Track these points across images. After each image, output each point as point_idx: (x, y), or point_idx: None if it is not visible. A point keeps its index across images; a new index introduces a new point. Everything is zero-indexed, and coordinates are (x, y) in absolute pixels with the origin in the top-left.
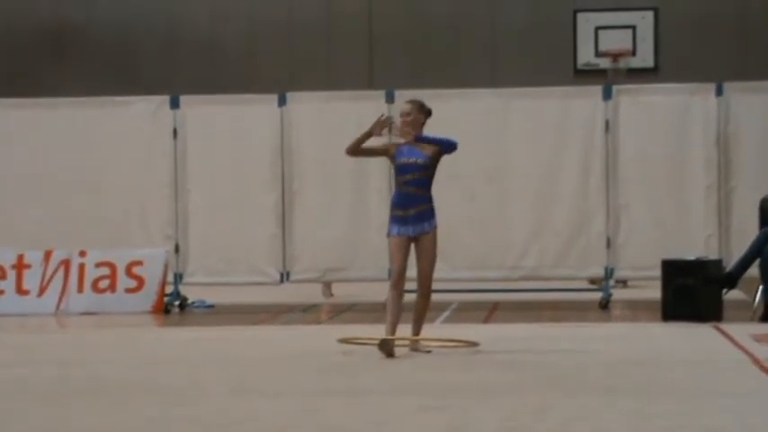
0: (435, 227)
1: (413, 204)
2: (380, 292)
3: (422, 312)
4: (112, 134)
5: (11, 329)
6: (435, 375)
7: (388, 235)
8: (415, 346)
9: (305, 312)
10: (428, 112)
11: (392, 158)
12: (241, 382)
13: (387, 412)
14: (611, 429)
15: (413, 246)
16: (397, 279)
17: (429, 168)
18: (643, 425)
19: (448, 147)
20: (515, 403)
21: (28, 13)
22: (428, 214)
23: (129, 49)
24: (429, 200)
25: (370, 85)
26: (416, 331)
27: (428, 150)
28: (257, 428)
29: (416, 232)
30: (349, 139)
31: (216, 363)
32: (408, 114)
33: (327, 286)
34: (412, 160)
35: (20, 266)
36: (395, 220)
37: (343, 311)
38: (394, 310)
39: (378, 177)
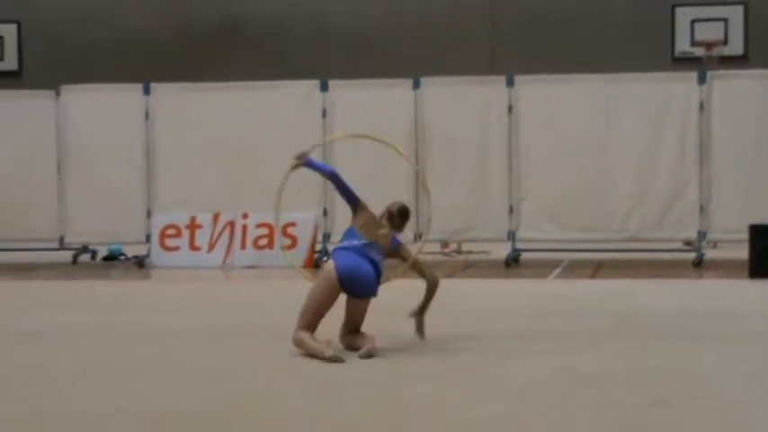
0: None
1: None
2: (500, 250)
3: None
4: (271, 114)
5: (186, 280)
6: (541, 324)
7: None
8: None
9: None
10: (396, 214)
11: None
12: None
13: (499, 355)
14: (702, 372)
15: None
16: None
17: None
18: (730, 368)
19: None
20: (616, 348)
21: (200, 12)
22: None
23: (283, 40)
24: None
25: (492, 70)
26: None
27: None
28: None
29: None
30: (472, 119)
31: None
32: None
33: (446, 245)
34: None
35: (193, 226)
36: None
37: (466, 267)
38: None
39: (498, 150)
